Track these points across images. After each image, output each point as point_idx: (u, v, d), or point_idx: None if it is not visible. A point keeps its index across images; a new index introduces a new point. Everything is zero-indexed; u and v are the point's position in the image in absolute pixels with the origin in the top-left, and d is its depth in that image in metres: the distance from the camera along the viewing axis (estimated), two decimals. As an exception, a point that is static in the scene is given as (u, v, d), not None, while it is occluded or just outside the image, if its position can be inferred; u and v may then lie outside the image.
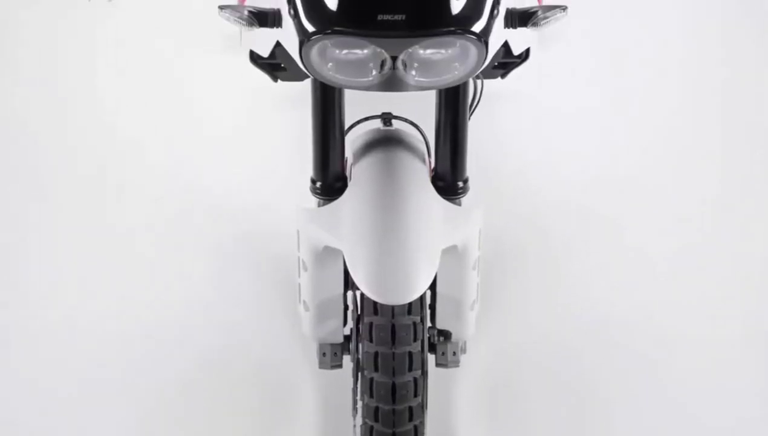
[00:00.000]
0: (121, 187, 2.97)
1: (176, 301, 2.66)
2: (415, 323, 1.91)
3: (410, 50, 1.57)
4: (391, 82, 1.64)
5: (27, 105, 3.14)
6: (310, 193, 2.05)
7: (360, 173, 1.97)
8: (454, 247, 1.90)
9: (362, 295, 1.86)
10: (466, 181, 2.03)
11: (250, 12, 1.63)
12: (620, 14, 3.29)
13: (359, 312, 2.00)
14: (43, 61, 3.23)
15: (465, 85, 1.95)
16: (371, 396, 1.92)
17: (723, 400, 2.44)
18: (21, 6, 3.35)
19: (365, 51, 1.60)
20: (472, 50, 1.59)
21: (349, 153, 2.07)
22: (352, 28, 1.53)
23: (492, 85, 2.42)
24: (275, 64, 1.98)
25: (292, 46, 1.62)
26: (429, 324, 2.08)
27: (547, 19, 1.64)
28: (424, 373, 1.97)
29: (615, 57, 3.22)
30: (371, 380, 1.92)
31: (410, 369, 1.91)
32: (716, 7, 3.31)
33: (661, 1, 3.31)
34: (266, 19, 1.64)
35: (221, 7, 1.63)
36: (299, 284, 2.05)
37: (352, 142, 2.10)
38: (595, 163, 3.01)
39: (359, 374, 2.01)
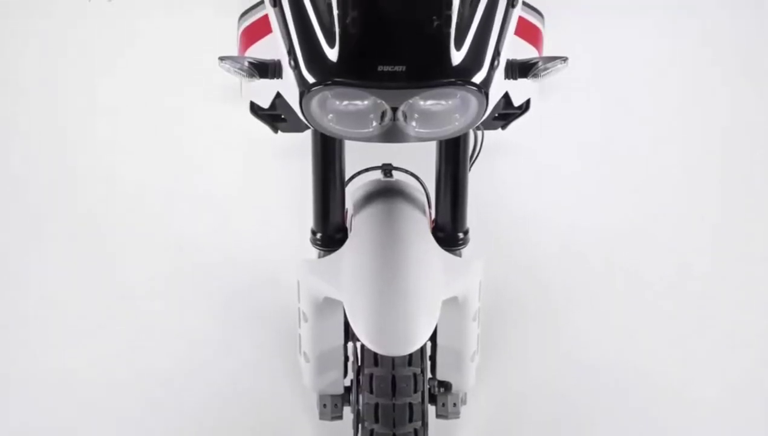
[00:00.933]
0: (120, 238, 2.96)
1: (175, 353, 2.64)
2: (415, 375, 1.90)
3: (411, 101, 1.58)
4: (392, 134, 1.64)
5: (26, 157, 3.14)
6: (310, 245, 2.05)
7: (360, 225, 1.97)
8: (455, 298, 1.90)
9: (362, 346, 1.86)
10: (466, 233, 2.03)
11: (250, 63, 1.64)
12: (621, 66, 3.30)
13: (359, 363, 1.99)
14: (41, 111, 3.23)
15: (465, 136, 1.95)
16: None
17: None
18: (21, 54, 3.36)
19: (366, 102, 1.60)
20: (473, 101, 1.59)
21: (349, 204, 2.07)
22: (352, 79, 1.53)
23: (492, 136, 2.42)
24: (275, 116, 1.99)
25: (292, 97, 1.62)
26: (429, 375, 2.06)
27: (548, 70, 1.64)
28: (425, 424, 1.96)
29: (615, 109, 3.22)
30: (372, 431, 1.91)
31: (411, 420, 1.90)
32: (717, 60, 3.32)
33: (663, 54, 3.32)
34: (266, 70, 1.65)
35: (221, 58, 1.64)
36: (299, 335, 2.04)
37: (352, 193, 2.10)
38: (596, 214, 3.00)
39: (360, 425, 2.00)
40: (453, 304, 1.90)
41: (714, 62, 3.32)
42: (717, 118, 3.21)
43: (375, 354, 1.87)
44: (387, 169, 2.22)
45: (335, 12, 1.52)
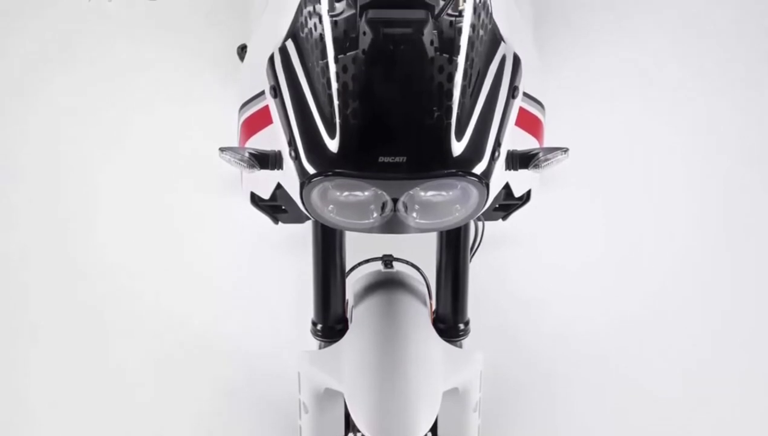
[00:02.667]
0: (119, 328, 2.94)
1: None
2: (416, 467, 1.88)
3: (411, 192, 1.58)
4: (392, 225, 1.64)
5: (25, 248, 3.14)
6: (310, 336, 2.03)
7: (361, 316, 1.96)
8: (455, 389, 1.88)
9: (363, 437, 1.84)
10: (467, 324, 2.02)
11: (250, 154, 1.64)
12: (622, 157, 3.31)
13: (361, 455, 1.97)
14: (41, 202, 3.23)
15: (466, 227, 1.95)
16: None
17: None
18: (20, 143, 3.37)
19: (366, 193, 1.60)
20: (474, 192, 1.59)
21: (350, 295, 2.07)
22: (353, 171, 1.53)
23: (493, 227, 2.42)
24: (276, 206, 1.99)
25: (292, 188, 1.62)
26: (431, 468, 2.04)
27: (549, 161, 1.65)
28: None
29: (617, 199, 3.23)
30: None
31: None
32: (721, 148, 3.33)
33: (665, 147, 3.33)
34: (267, 161, 1.65)
35: (222, 149, 1.64)
36: (300, 427, 2.02)
37: (353, 284, 2.09)
38: (596, 305, 2.99)
39: None
40: (454, 395, 1.88)
41: (718, 150, 3.33)
42: (721, 209, 3.21)
43: (376, 446, 1.84)
44: (387, 260, 2.22)
45: (336, 103, 1.53)
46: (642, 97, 3.44)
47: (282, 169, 1.64)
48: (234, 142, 1.95)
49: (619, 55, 3.54)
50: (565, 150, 1.65)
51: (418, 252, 2.26)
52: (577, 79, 3.46)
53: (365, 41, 1.54)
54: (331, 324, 2.00)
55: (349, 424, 1.99)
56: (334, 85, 1.53)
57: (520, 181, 1.86)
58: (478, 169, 1.55)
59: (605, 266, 3.08)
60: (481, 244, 2.38)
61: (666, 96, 3.45)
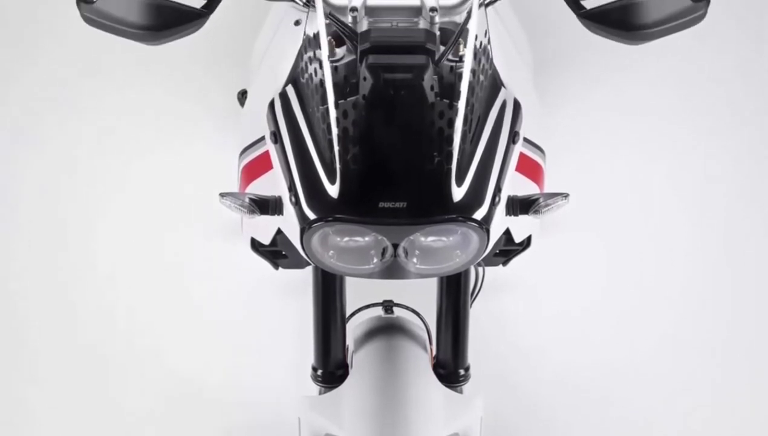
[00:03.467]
0: (118, 374, 2.94)
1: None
2: None
3: (411, 238, 1.58)
4: (393, 270, 1.64)
5: (25, 292, 3.13)
6: (311, 381, 2.03)
7: (361, 361, 1.96)
8: (456, 434, 1.87)
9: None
10: (467, 369, 2.01)
11: (251, 199, 1.64)
12: (622, 203, 3.32)
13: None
14: (41, 247, 3.24)
15: (466, 272, 1.95)
16: None
17: None
18: (20, 190, 3.38)
19: (367, 239, 1.60)
20: (474, 238, 1.59)
21: (350, 341, 2.06)
22: (353, 216, 1.53)
23: (493, 272, 2.42)
24: (276, 252, 1.99)
25: (293, 234, 1.62)
26: None
27: (549, 207, 1.65)
28: None
29: (617, 245, 3.23)
30: None
31: None
32: (720, 201, 3.33)
33: (667, 190, 3.34)
34: (267, 206, 1.65)
35: (222, 195, 1.64)
36: (300, 472, 2.01)
37: (353, 329, 2.09)
38: (596, 351, 2.99)
39: None
40: (454, 441, 1.88)
41: (718, 194, 3.33)
42: (722, 254, 3.21)
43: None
44: (387, 305, 2.21)
45: (336, 148, 1.53)
46: (642, 143, 3.45)
47: (282, 214, 1.64)
48: (234, 187, 1.96)
49: (619, 99, 3.56)
50: (566, 196, 1.65)
51: (419, 297, 2.26)
52: (577, 124, 3.47)
53: (366, 87, 1.54)
54: (331, 369, 2.00)
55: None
56: (335, 131, 1.54)
57: (521, 226, 1.86)
58: (479, 214, 1.55)
59: (606, 312, 3.08)
60: (482, 289, 2.37)
61: (666, 141, 3.46)
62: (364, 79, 1.54)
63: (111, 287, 3.14)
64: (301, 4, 1.81)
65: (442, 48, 1.61)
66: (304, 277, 2.04)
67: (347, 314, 2.02)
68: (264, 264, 2.05)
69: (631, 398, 2.90)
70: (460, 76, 1.57)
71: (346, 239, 1.61)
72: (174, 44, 1.69)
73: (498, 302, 3.04)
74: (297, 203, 1.57)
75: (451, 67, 1.60)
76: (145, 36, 1.64)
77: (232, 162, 2.00)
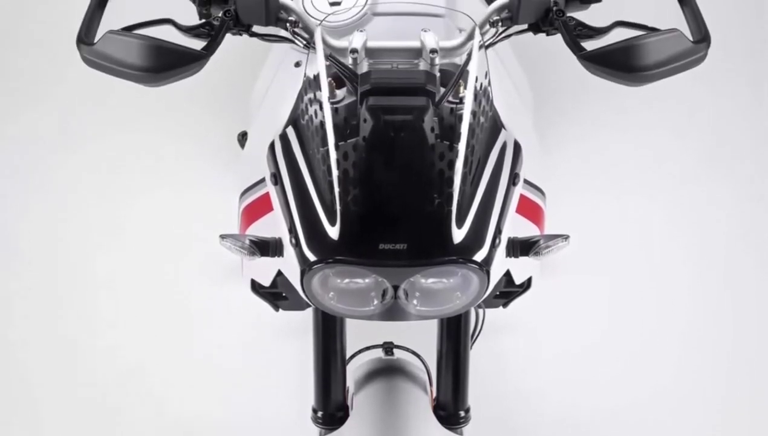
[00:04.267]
0: (118, 415, 2.93)
1: None
2: None
3: (412, 279, 1.57)
4: (393, 312, 1.63)
5: (25, 335, 3.13)
6: (311, 423, 2.02)
7: (362, 403, 1.95)
8: (456, 476, 1.87)
9: None
10: (467, 411, 2.01)
11: (251, 241, 1.64)
12: (624, 246, 3.32)
13: None
14: (40, 286, 3.23)
15: (466, 314, 1.94)
16: None
17: None
18: (19, 231, 3.38)
19: (367, 280, 1.60)
20: (474, 280, 1.59)
21: (350, 382, 2.05)
22: (353, 258, 1.53)
23: (493, 314, 2.41)
24: (277, 293, 1.99)
25: (293, 275, 1.62)
26: None
27: (549, 248, 1.65)
28: None
29: (618, 287, 3.22)
30: None
31: None
32: (721, 244, 3.34)
33: (667, 235, 3.34)
34: (267, 248, 1.65)
35: (222, 236, 1.64)
36: None
37: (353, 371, 2.08)
38: (596, 393, 2.98)
39: None
40: (455, 483, 1.87)
41: (718, 237, 3.34)
42: (723, 296, 3.21)
43: None
44: (388, 347, 2.21)
45: (336, 190, 1.53)
46: (642, 185, 3.46)
47: (282, 256, 1.64)
48: (234, 229, 1.96)
49: (619, 141, 3.57)
50: (566, 237, 1.65)
51: (419, 339, 2.25)
52: (578, 166, 3.48)
53: (366, 128, 1.54)
54: (331, 411, 1.99)
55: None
56: (335, 173, 1.53)
57: (521, 268, 1.86)
58: (479, 256, 1.55)
59: (606, 355, 3.07)
60: (482, 331, 2.37)
61: (666, 183, 3.47)
62: (365, 120, 1.54)
63: (111, 329, 3.14)
64: (302, 45, 1.81)
65: (442, 89, 1.61)
66: (305, 318, 2.03)
67: (347, 356, 2.01)
68: (264, 306, 2.05)
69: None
70: (460, 117, 1.57)
71: (346, 280, 1.61)
72: (174, 85, 1.70)
73: (498, 344, 3.03)
74: (297, 245, 1.57)
75: (452, 108, 1.60)
76: (145, 77, 1.64)
77: (232, 204, 2.00)
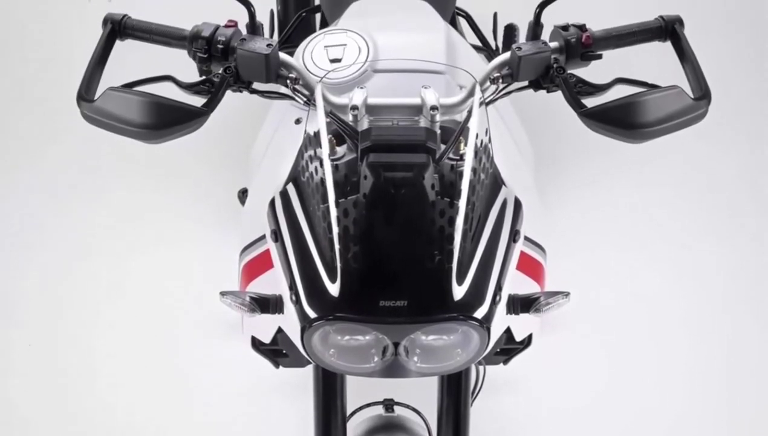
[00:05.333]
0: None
1: None
2: None
3: (412, 336, 1.57)
4: (393, 369, 1.63)
5: (26, 400, 3.11)
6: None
7: (362, 460, 1.94)
8: None
9: None
10: (468, 467, 1.99)
11: (251, 298, 1.64)
12: (624, 303, 3.32)
13: None
14: (40, 353, 3.22)
15: (467, 371, 1.93)
16: None
17: None
18: (19, 296, 3.37)
19: (367, 337, 1.59)
20: (475, 336, 1.58)
21: (351, 440, 2.04)
22: (354, 315, 1.52)
23: (494, 371, 2.40)
24: (277, 350, 1.98)
25: (293, 332, 1.62)
26: None
27: (550, 305, 1.64)
28: None
29: (618, 345, 3.21)
30: None
31: None
32: (720, 302, 3.34)
33: (666, 293, 3.34)
34: (268, 305, 1.65)
35: (223, 293, 1.64)
36: None
37: (354, 428, 2.07)
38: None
39: None
40: None
41: (717, 298, 3.33)
42: (723, 352, 3.20)
43: None
44: (388, 404, 2.20)
45: (337, 247, 1.53)
46: (642, 243, 3.46)
47: (283, 313, 1.64)
48: (235, 286, 1.95)
49: (620, 198, 3.58)
50: (566, 294, 1.65)
51: (419, 395, 2.24)
52: (578, 223, 3.48)
53: (366, 185, 1.54)
54: (332, 467, 1.97)
55: None
56: (335, 229, 1.53)
57: (521, 325, 1.86)
58: (479, 313, 1.54)
59: (606, 412, 3.05)
60: (482, 388, 2.35)
61: (666, 242, 3.47)
62: (365, 177, 1.54)
63: (111, 387, 3.12)
64: (302, 102, 1.82)
65: (442, 146, 1.61)
66: (305, 375, 2.02)
67: (348, 413, 2.00)
68: (264, 363, 2.04)
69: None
70: (460, 174, 1.58)
71: (346, 337, 1.60)
72: (174, 142, 1.70)
73: (499, 401, 3.02)
74: (298, 302, 1.56)
75: (452, 165, 1.60)
76: (145, 134, 1.65)
77: (232, 261, 2.00)
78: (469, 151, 1.60)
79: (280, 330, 1.77)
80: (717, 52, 4.01)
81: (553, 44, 1.81)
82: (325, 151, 1.60)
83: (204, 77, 1.79)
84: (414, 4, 2.32)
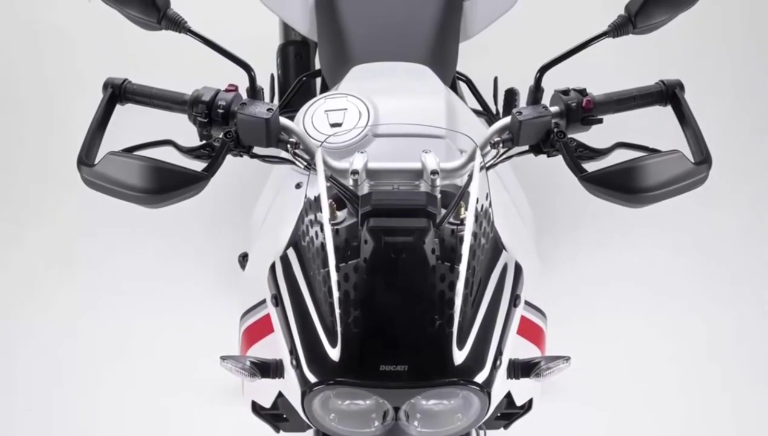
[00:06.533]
0: None
1: None
2: None
3: (413, 401, 1.56)
4: (394, 433, 1.62)
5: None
6: None
7: None
8: None
9: None
10: None
11: (252, 362, 1.64)
12: (625, 369, 3.30)
13: None
14: (41, 416, 3.20)
15: (467, 435, 1.92)
16: None
17: None
18: (22, 353, 3.37)
19: (368, 402, 1.59)
20: (475, 401, 1.58)
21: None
22: (354, 379, 1.52)
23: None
24: (277, 415, 1.97)
25: (294, 397, 1.61)
26: None
27: (550, 370, 1.64)
28: None
29: (619, 412, 3.20)
30: None
31: None
32: (721, 373, 3.32)
33: (667, 360, 3.33)
34: (268, 369, 1.65)
35: (223, 358, 1.64)
36: None
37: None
38: None
39: None
40: None
41: (718, 368, 3.32)
42: (724, 429, 3.18)
43: None
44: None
45: (337, 312, 1.53)
46: (643, 308, 3.46)
47: (283, 377, 1.64)
48: (235, 350, 1.95)
49: (620, 263, 3.58)
50: (567, 359, 1.64)
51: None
52: (579, 287, 3.48)
53: (367, 250, 1.54)
54: None
55: None
56: (336, 294, 1.53)
57: (522, 389, 1.85)
58: (480, 378, 1.54)
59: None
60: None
61: (667, 307, 3.47)
62: (365, 242, 1.54)
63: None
64: (302, 166, 1.82)
65: (443, 211, 1.61)
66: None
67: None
68: (265, 427, 2.02)
69: None
70: (461, 239, 1.58)
71: (347, 402, 1.60)
72: (174, 206, 1.70)
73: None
74: (298, 366, 1.56)
75: (453, 230, 1.60)
76: (145, 199, 1.65)
77: (233, 325, 1.99)
78: (469, 216, 1.60)
79: (280, 394, 1.76)
80: (718, 114, 4.04)
81: (554, 109, 1.82)
82: (325, 215, 1.60)
83: (204, 141, 1.80)
84: (414, 68, 2.33)
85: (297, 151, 1.80)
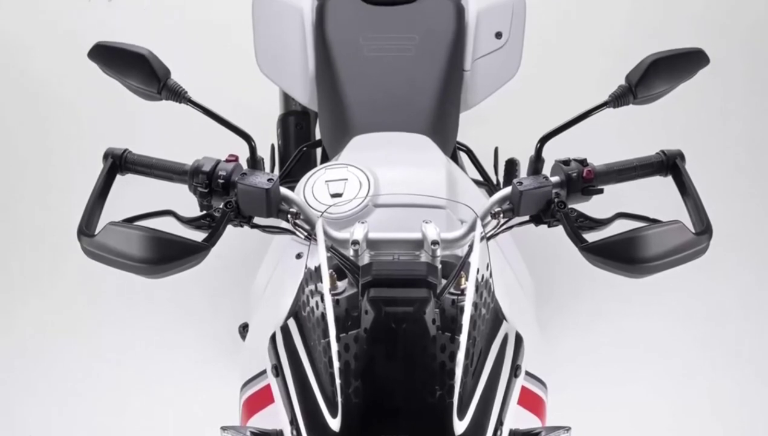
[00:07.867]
0: None
1: None
2: None
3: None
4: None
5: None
6: None
7: None
8: None
9: None
10: None
11: (252, 433, 1.63)
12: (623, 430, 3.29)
13: None
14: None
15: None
16: None
17: None
18: (23, 414, 3.35)
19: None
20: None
21: None
22: (354, 450, 1.51)
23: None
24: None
25: (295, 467, 1.60)
26: None
27: (551, 441, 1.63)
28: None
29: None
30: None
31: None
32: (722, 427, 3.31)
33: (669, 429, 3.31)
34: (269, 441, 1.63)
35: (224, 428, 1.63)
36: None
37: None
38: None
39: None
40: None
41: (716, 429, 3.31)
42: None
43: None
44: None
45: (338, 382, 1.52)
46: (645, 377, 3.44)
47: (284, 447, 1.62)
48: (236, 421, 1.93)
49: (621, 332, 3.57)
50: (568, 429, 1.64)
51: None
52: (579, 357, 3.47)
53: (367, 320, 1.54)
54: None
55: None
56: (336, 364, 1.52)
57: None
58: (480, 449, 1.53)
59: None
60: None
61: (668, 376, 3.45)
62: (366, 312, 1.54)
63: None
64: (303, 237, 1.82)
65: (443, 281, 1.61)
66: None
67: None
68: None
69: None
70: (461, 309, 1.57)
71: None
72: (175, 276, 1.70)
73: None
74: (298, 438, 1.55)
75: (453, 300, 1.60)
76: (145, 269, 1.65)
77: (233, 395, 1.98)
78: (470, 286, 1.60)
79: (280, 465, 1.74)
80: (718, 183, 4.05)
81: (554, 179, 1.82)
82: (326, 285, 1.59)
83: (205, 212, 1.80)
84: (415, 138, 2.34)
85: (297, 221, 1.80)
